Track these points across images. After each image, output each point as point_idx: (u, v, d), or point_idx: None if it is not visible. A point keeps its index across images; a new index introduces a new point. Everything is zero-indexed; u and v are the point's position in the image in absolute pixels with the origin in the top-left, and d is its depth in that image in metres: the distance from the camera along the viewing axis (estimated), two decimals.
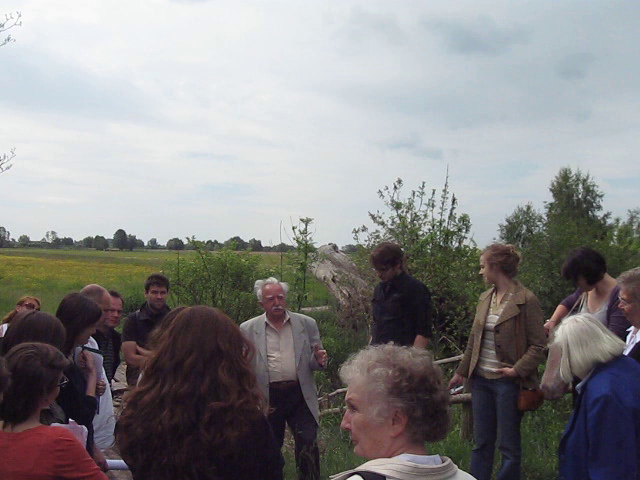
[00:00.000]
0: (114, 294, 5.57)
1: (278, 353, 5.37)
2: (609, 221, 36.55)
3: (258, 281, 5.65)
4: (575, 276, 5.36)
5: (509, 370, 4.98)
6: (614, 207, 38.73)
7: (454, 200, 14.16)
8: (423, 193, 14.52)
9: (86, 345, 4.22)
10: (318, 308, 17.94)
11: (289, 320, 5.47)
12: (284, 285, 5.58)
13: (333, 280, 16.93)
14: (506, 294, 5.19)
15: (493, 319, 5.17)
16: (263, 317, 5.53)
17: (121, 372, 7.37)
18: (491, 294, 5.35)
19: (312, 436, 5.30)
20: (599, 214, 39.48)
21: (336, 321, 15.68)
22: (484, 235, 15.04)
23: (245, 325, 5.54)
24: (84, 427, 3.23)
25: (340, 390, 9.52)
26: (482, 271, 5.33)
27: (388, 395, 1.77)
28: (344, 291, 15.93)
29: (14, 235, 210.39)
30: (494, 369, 5.10)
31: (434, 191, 14.35)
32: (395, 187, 14.75)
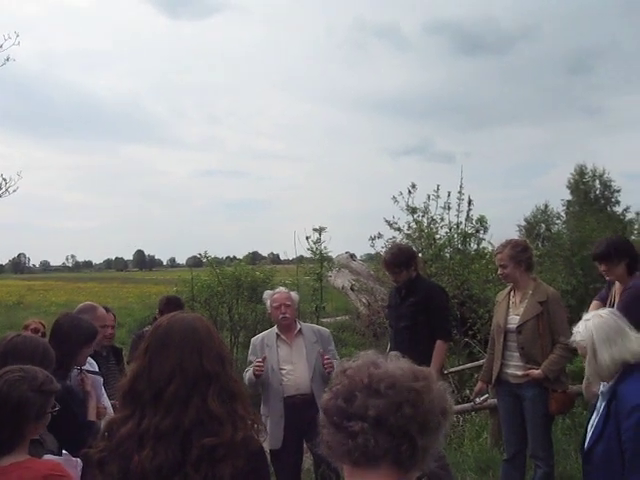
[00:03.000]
0: (106, 309, 5.30)
1: (290, 365, 5.13)
2: (629, 215, 36.07)
3: (267, 292, 5.46)
4: (613, 260, 4.76)
5: (536, 372, 4.68)
6: (632, 201, 38.10)
7: (470, 201, 13.93)
8: (438, 196, 14.30)
9: (84, 367, 4.00)
10: (338, 318, 17.71)
11: (300, 330, 5.25)
12: (293, 294, 5.35)
13: (352, 289, 16.70)
14: (525, 292, 4.89)
15: (514, 319, 4.87)
16: (274, 329, 5.32)
17: None
18: (508, 293, 5.06)
19: None
20: (617, 209, 38.94)
21: (357, 330, 15.45)
22: (503, 236, 14.67)
23: (256, 339, 5.34)
24: (78, 460, 2.98)
25: None
26: (504, 271, 4.96)
27: None
28: (363, 299, 15.73)
29: (34, 261, 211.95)
30: (519, 372, 4.81)
31: (449, 193, 14.13)
32: (409, 192, 14.53)
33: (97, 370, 4.28)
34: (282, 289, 5.41)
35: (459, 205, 13.97)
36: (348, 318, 17.72)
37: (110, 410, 4.18)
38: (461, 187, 13.64)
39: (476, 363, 8.79)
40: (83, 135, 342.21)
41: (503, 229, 14.53)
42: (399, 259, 5.50)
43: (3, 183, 12.20)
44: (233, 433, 1.99)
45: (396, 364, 1.50)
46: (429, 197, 14.43)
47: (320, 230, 12.27)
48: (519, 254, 4.88)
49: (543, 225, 45.15)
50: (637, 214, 33.68)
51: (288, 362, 5.13)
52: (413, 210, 14.39)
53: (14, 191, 12.47)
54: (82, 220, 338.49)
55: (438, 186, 14.34)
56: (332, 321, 15.93)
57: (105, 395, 4.37)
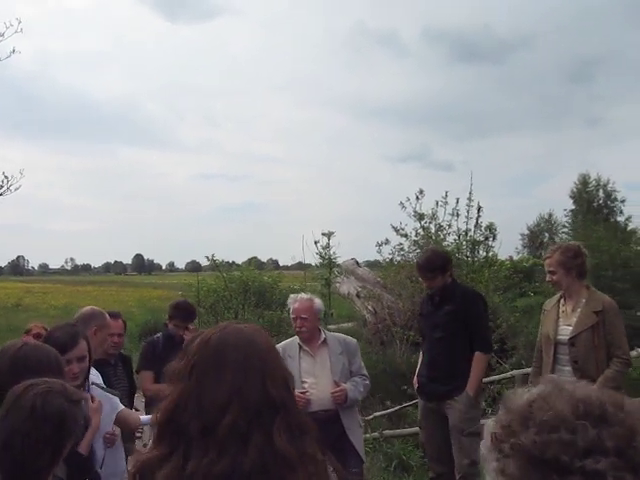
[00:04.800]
0: (114, 316, 4.94)
1: (313, 378, 4.71)
2: (631, 225, 36.04)
3: (292, 295, 5.01)
4: None
5: None
6: (633, 212, 38.18)
7: (479, 208, 13.77)
8: (447, 203, 14.17)
9: (95, 381, 3.54)
10: (344, 325, 17.50)
11: (325, 340, 4.80)
12: (317, 302, 4.88)
13: (357, 296, 16.50)
14: (578, 300, 4.53)
15: (565, 330, 4.50)
16: (296, 338, 4.90)
17: (140, 400, 6.81)
18: (558, 302, 4.68)
19: (358, 475, 4.61)
20: (620, 219, 38.89)
21: (363, 338, 15.24)
22: (505, 245, 14.62)
23: (277, 348, 4.91)
24: None
25: (378, 414, 9.04)
26: (553, 277, 4.62)
27: None
28: (369, 307, 15.52)
29: (33, 263, 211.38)
30: None
31: (458, 200, 13.98)
32: (417, 198, 14.39)
33: (103, 384, 3.77)
34: (303, 296, 4.93)
35: (468, 212, 13.82)
36: (352, 325, 17.52)
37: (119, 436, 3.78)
38: (470, 193, 13.49)
39: (499, 376, 8.42)
40: (81, 137, 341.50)
41: (504, 239, 14.31)
42: (434, 263, 5.06)
43: (5, 181, 11.91)
44: (306, 478, 1.55)
45: (585, 386, 1.18)
46: (437, 203, 14.28)
47: (329, 235, 12.11)
48: (570, 260, 4.54)
49: (547, 234, 45.38)
50: None
51: (311, 375, 4.75)
52: (421, 216, 14.24)
53: (16, 189, 12.21)
54: (81, 223, 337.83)
55: (447, 192, 14.19)
56: (337, 328, 15.69)
57: (119, 415, 3.81)
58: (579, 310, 4.48)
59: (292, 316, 4.81)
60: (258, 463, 1.49)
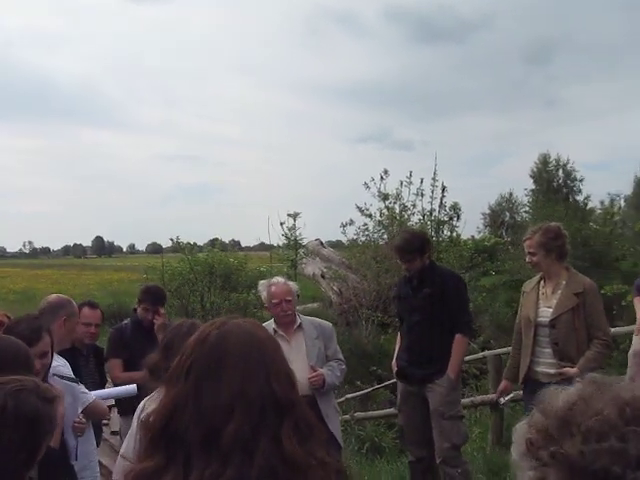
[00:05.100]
0: (92, 305, 4.81)
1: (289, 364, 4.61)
2: (590, 204, 36.60)
3: (262, 282, 4.86)
4: None
5: (572, 370, 4.19)
6: (590, 191, 38.70)
7: (444, 188, 13.84)
8: (411, 183, 14.20)
9: (56, 372, 3.36)
10: (309, 305, 17.47)
11: (300, 325, 4.67)
12: (293, 285, 4.77)
13: (323, 277, 16.47)
14: (558, 282, 4.46)
15: (546, 312, 4.42)
16: (271, 323, 4.73)
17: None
18: (538, 284, 4.60)
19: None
20: (579, 198, 39.44)
21: (328, 319, 15.23)
22: (467, 225, 14.81)
23: None
24: None
25: (349, 396, 9.02)
26: (532, 258, 4.54)
27: None
28: (335, 287, 15.50)
29: None
30: (552, 370, 4.35)
31: (422, 180, 14.01)
32: (382, 178, 14.39)
33: (71, 375, 3.60)
34: (279, 279, 4.79)
35: (433, 192, 13.86)
36: (318, 306, 17.50)
37: (89, 424, 3.65)
38: (435, 173, 13.53)
39: (472, 357, 8.39)
40: (38, 118, 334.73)
41: (465, 217, 14.43)
42: (413, 245, 4.89)
43: None
44: None
45: (630, 386, 1.06)
46: (402, 183, 14.30)
47: (295, 215, 12.05)
48: (550, 241, 4.45)
49: (507, 213, 45.78)
50: (601, 203, 34.12)
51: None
52: (385, 196, 14.25)
53: None
54: (39, 205, 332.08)
55: (411, 172, 14.22)
56: (302, 309, 15.66)
57: (85, 404, 3.65)
58: (559, 292, 4.42)
59: (274, 301, 4.59)
60: (266, 470, 1.34)
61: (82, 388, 3.67)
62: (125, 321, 5.56)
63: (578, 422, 0.99)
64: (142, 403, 2.72)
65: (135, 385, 4.18)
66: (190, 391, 1.42)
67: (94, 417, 3.83)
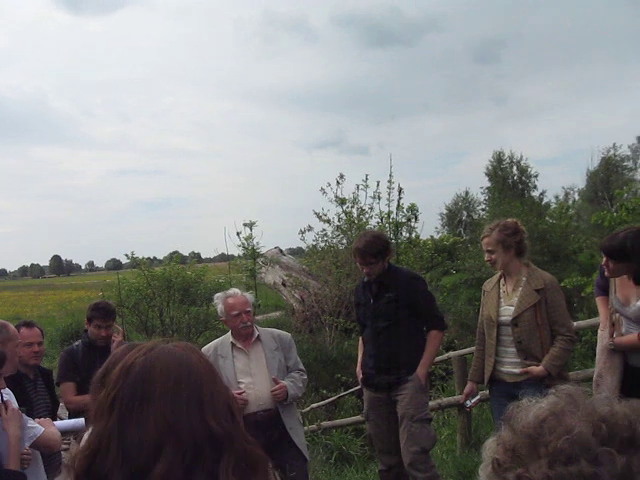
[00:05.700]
0: (28, 325, 4.57)
1: (250, 378, 4.42)
2: (545, 199, 37.16)
3: (218, 294, 4.68)
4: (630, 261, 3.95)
5: (537, 369, 4.15)
6: (544, 186, 39.46)
7: (400, 190, 13.80)
8: (367, 186, 14.16)
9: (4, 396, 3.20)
10: (271, 315, 17.31)
11: (258, 337, 4.54)
12: (249, 296, 4.62)
13: (284, 284, 16.34)
14: (518, 279, 4.36)
15: (507, 311, 4.33)
16: (228, 337, 4.60)
17: (64, 414, 6.41)
18: (498, 282, 4.51)
19: (303, 475, 4.41)
20: (535, 194, 40.00)
21: (291, 327, 15.12)
22: (425, 226, 14.84)
23: (207, 350, 4.56)
24: None
25: (314, 405, 8.88)
26: (491, 256, 4.41)
27: None
28: (296, 295, 15.39)
29: None
30: (517, 370, 4.28)
31: (378, 183, 13.98)
32: (338, 182, 14.33)
33: (16, 407, 3.37)
34: (236, 291, 4.63)
35: (389, 194, 13.83)
36: (280, 315, 17.37)
37: (37, 455, 3.46)
38: (391, 176, 13.50)
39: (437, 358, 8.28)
40: None
41: (424, 218, 14.47)
42: (377, 247, 4.66)
43: None
44: None
45: (607, 400, 0.97)
46: (358, 187, 14.26)
47: (251, 225, 11.88)
48: (508, 237, 4.34)
49: (465, 212, 46.23)
50: (556, 197, 34.63)
51: (247, 374, 4.45)
52: (342, 201, 14.18)
53: None
54: None
55: (367, 176, 14.18)
56: (265, 318, 15.55)
57: (32, 439, 3.41)
58: (520, 289, 4.33)
59: (233, 313, 4.44)
60: None
61: (30, 422, 3.45)
62: (76, 343, 5.33)
63: (547, 441, 0.89)
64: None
65: (83, 419, 3.98)
66: (113, 428, 1.24)
67: (45, 450, 3.63)
